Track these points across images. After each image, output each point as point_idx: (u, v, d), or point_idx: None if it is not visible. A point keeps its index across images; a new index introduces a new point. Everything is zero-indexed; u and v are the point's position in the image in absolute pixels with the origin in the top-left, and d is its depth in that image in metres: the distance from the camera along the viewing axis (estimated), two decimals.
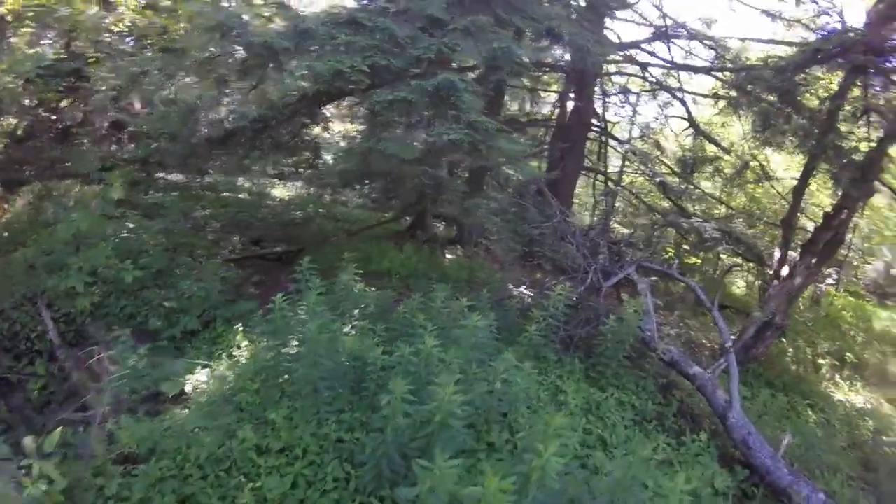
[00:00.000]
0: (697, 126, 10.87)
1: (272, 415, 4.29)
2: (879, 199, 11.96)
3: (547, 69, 11.57)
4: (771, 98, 8.36)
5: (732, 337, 7.02)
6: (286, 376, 4.78)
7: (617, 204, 11.91)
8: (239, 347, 5.61)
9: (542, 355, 6.06)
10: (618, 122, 13.38)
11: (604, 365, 6.11)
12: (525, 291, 7.81)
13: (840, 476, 5.27)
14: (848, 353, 9.01)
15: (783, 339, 8.90)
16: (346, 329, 5.26)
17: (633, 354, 6.34)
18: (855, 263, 11.04)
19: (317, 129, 10.48)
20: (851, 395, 8.12)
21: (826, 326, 11.54)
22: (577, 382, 5.77)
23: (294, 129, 8.66)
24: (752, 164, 10.18)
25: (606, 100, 12.26)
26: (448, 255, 9.92)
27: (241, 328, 5.87)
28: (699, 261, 11.10)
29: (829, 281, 10.28)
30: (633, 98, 12.35)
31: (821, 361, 8.65)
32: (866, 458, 6.05)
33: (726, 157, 11.19)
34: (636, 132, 13.21)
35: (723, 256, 10.42)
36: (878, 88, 7.60)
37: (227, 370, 5.13)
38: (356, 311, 5.83)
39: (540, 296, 6.91)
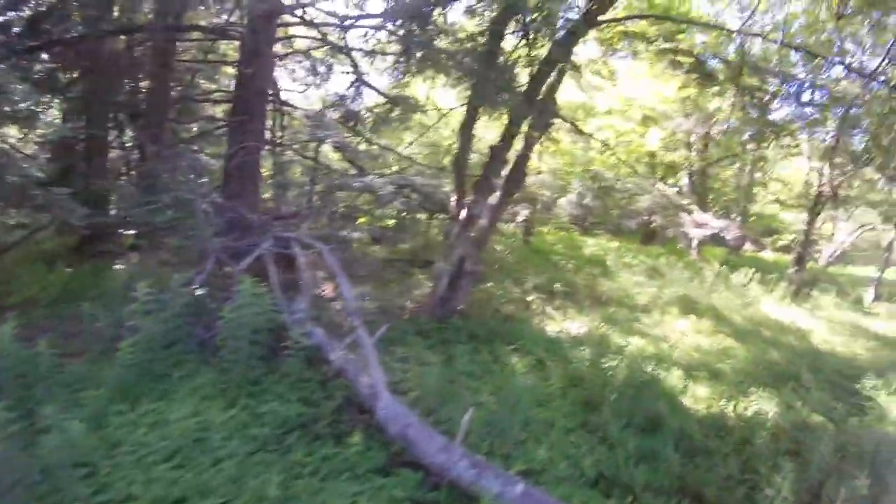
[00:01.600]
0: (363, 79, 9.84)
1: None
2: (564, 136, 12.50)
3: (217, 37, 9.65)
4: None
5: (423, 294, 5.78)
6: None
7: (307, 176, 10.37)
8: None
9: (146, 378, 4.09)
10: (306, 90, 11.96)
11: (230, 370, 4.31)
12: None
13: (556, 431, 4.26)
14: (557, 284, 8.76)
15: (490, 283, 8.27)
16: None
17: (278, 347, 4.66)
18: (552, 198, 11.13)
19: None
20: (566, 323, 7.66)
21: (539, 261, 11.68)
22: (189, 404, 3.87)
23: None
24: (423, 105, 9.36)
25: (282, 64, 10.67)
26: (119, 266, 7.37)
27: None
28: (392, 220, 10.13)
29: (520, 218, 10.07)
30: (314, 63, 10.94)
31: (529, 298, 8.16)
32: (588, 397, 5.03)
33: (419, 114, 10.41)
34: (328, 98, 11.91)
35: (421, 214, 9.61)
36: None
37: None
38: None
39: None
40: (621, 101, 13.75)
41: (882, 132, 12.22)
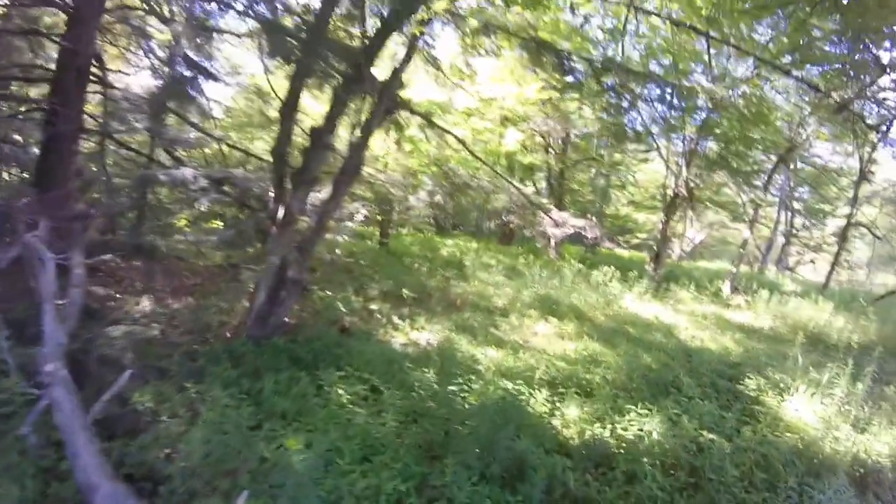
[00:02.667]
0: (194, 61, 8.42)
1: None
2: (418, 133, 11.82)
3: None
4: None
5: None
6: None
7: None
8: None
9: None
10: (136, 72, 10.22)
11: None
12: None
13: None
14: (405, 290, 7.96)
15: (329, 292, 7.29)
16: None
17: None
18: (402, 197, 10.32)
19: None
20: (416, 334, 6.84)
21: (394, 265, 10.88)
22: None
23: None
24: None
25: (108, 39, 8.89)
26: None
27: None
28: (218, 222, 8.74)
29: (359, 217, 9.16)
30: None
31: (373, 307, 7.27)
32: (430, 439, 3.94)
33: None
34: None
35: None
36: None
37: None
38: None
39: None
40: (481, 102, 13.40)
41: (736, 139, 13.10)
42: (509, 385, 4.73)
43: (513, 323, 7.43)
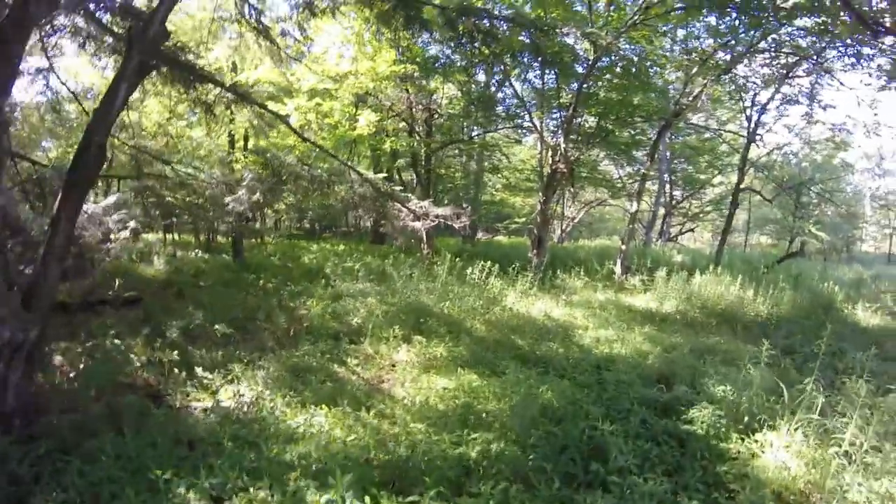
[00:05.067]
0: None
1: None
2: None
3: None
4: None
5: None
6: None
7: None
8: None
9: None
10: None
11: None
12: None
13: None
14: (217, 326, 5.79)
15: (107, 342, 5.06)
16: None
17: None
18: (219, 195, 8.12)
19: None
20: (226, 390, 4.74)
21: (233, 285, 8.76)
22: None
23: None
24: None
25: None
26: None
27: None
28: None
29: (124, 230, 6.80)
30: None
31: (167, 359, 5.06)
32: None
33: None
34: None
35: None
36: None
37: None
38: None
39: None
40: (328, 79, 11.43)
41: (615, 107, 12.22)
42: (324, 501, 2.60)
43: (366, 351, 5.62)
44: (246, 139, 10.18)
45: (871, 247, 43.73)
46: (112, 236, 5.90)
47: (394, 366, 5.31)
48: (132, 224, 6.00)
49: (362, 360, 5.39)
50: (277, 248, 15.84)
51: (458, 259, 10.04)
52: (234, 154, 9.94)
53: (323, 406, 4.00)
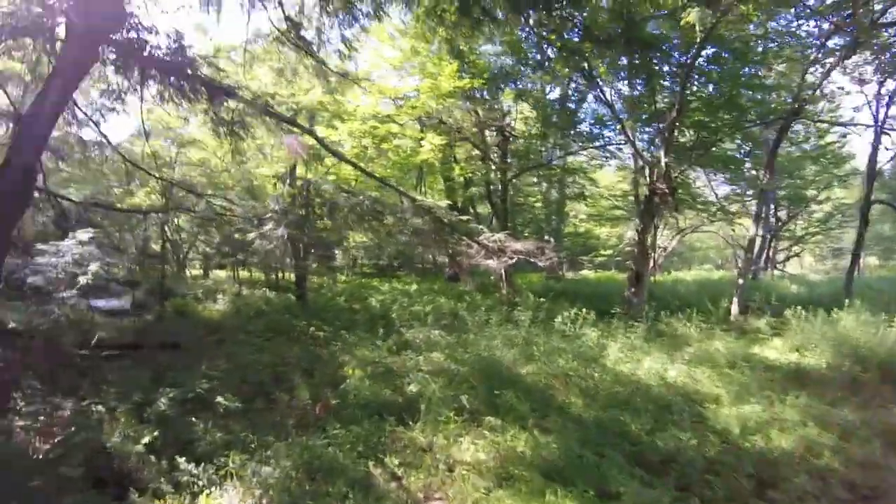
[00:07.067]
0: None
1: None
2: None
3: None
4: None
5: None
6: None
7: None
8: None
9: None
10: None
11: None
12: None
13: None
14: (219, 398, 4.35)
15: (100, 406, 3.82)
16: None
17: None
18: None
19: None
20: (220, 497, 3.30)
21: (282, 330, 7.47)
22: None
23: None
24: None
25: None
26: None
27: None
28: None
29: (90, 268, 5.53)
30: None
31: (139, 448, 3.69)
32: None
33: None
34: None
35: None
36: None
37: None
38: None
39: None
40: (383, 96, 10.32)
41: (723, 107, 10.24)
42: None
43: (416, 441, 3.97)
44: (293, 168, 9.19)
45: None
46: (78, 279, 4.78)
47: (451, 470, 3.60)
48: (93, 267, 4.84)
49: (409, 457, 3.74)
50: (347, 288, 14.74)
51: (542, 300, 8.28)
52: (284, 187, 8.90)
53: None
